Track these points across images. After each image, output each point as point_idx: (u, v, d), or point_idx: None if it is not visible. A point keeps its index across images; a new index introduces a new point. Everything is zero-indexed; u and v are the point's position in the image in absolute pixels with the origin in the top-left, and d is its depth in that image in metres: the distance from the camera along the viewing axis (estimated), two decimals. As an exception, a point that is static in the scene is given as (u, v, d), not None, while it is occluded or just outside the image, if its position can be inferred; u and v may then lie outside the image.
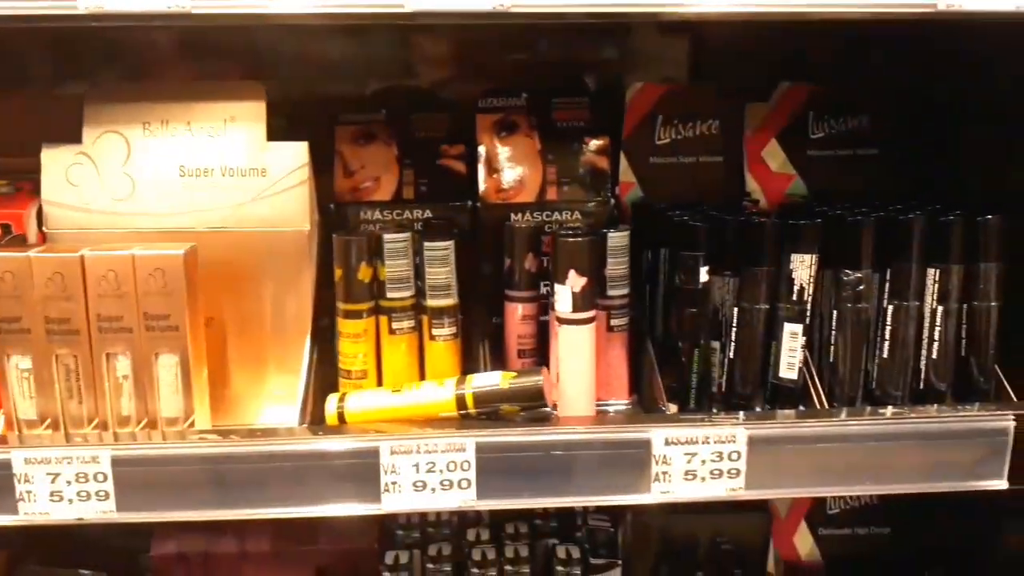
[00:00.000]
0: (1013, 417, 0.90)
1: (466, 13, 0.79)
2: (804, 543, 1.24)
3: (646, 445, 0.88)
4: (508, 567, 1.10)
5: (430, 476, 0.87)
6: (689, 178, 1.16)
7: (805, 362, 0.99)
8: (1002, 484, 0.91)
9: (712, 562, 1.16)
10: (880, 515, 1.23)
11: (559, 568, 1.10)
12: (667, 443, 0.88)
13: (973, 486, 0.92)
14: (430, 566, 1.11)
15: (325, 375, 1.02)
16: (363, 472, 0.86)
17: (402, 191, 1.13)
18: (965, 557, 1.13)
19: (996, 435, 0.91)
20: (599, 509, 1.17)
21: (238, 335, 1.02)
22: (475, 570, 1.09)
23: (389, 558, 1.12)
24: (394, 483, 0.87)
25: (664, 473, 0.88)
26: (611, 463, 0.88)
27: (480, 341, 1.07)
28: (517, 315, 1.03)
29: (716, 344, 0.99)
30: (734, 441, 0.88)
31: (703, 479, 0.89)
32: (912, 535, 1.23)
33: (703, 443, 0.88)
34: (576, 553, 1.11)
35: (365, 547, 1.14)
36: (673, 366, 0.99)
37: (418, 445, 0.86)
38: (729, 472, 0.89)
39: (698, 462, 0.88)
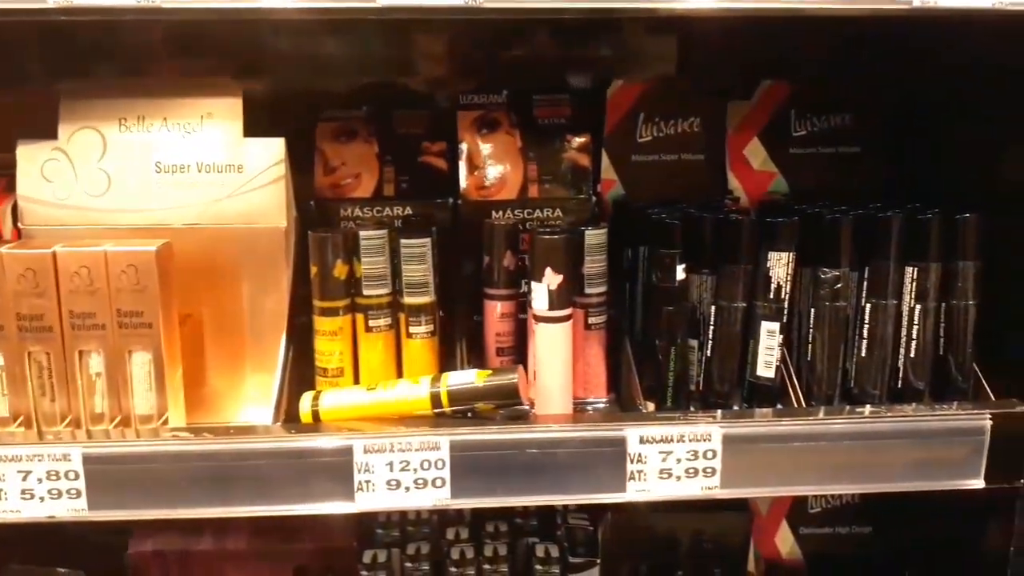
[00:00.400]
0: (990, 416, 0.90)
1: (437, 8, 0.79)
2: (785, 542, 1.23)
3: (621, 443, 0.87)
4: (487, 566, 1.09)
5: (404, 475, 0.86)
6: (671, 176, 1.16)
7: (783, 361, 0.99)
8: (979, 483, 0.91)
9: (692, 561, 1.15)
10: (862, 514, 1.23)
11: (538, 567, 1.10)
12: (642, 441, 0.87)
13: (950, 485, 0.92)
14: (408, 565, 1.10)
15: (303, 373, 1.01)
16: (336, 470, 0.86)
17: (383, 188, 1.12)
18: (947, 556, 1.12)
19: (973, 434, 0.90)
20: (579, 508, 1.16)
21: (215, 333, 1.01)
22: (453, 569, 1.09)
23: (367, 557, 1.11)
24: (368, 482, 0.86)
25: (639, 472, 0.88)
26: (586, 461, 0.88)
27: (461, 339, 1.06)
28: (496, 313, 1.02)
29: (694, 342, 0.99)
30: (709, 440, 0.88)
31: (678, 478, 0.88)
32: (894, 534, 1.22)
33: (678, 441, 0.88)
34: (555, 552, 1.11)
35: (344, 546, 1.14)
36: (651, 364, 0.98)
37: (392, 443, 0.86)
38: (704, 471, 0.88)
39: (673, 460, 0.88)
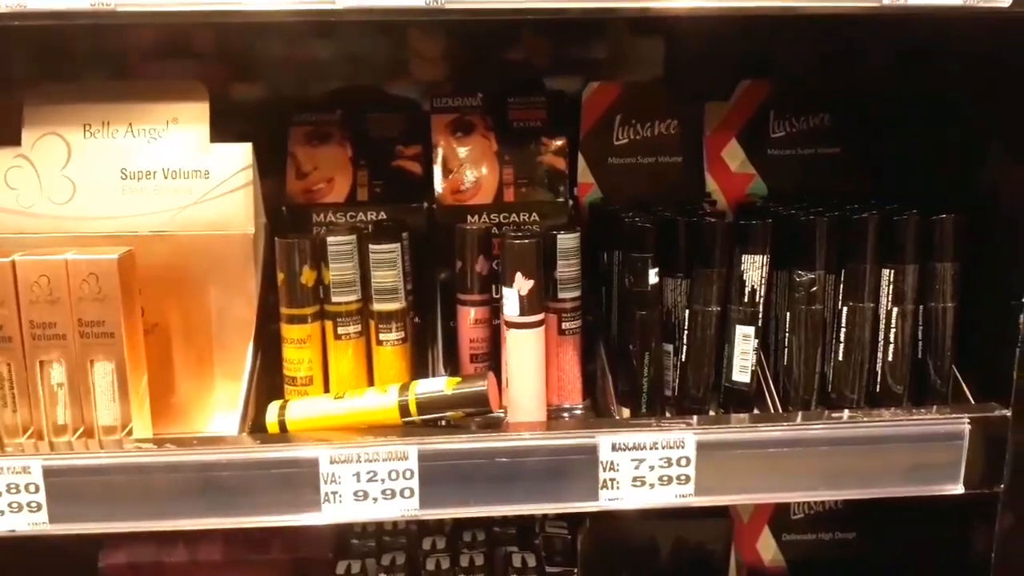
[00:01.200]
0: (968, 420, 0.89)
1: (397, 10, 0.77)
2: (768, 548, 1.22)
3: (593, 451, 0.86)
4: (462, 576, 1.08)
5: (371, 485, 0.85)
6: (649, 179, 1.14)
7: (760, 365, 0.97)
8: (958, 489, 0.90)
9: (672, 568, 1.14)
10: (845, 520, 1.21)
11: (514, 576, 1.08)
12: (614, 449, 0.86)
13: (928, 491, 0.90)
14: None
15: (273, 382, 0.99)
16: (302, 481, 0.84)
17: (356, 192, 1.11)
18: (930, 561, 1.11)
19: (951, 439, 0.89)
20: (558, 516, 1.15)
21: (183, 341, 1.00)
22: (428, 579, 1.08)
23: (342, 567, 1.09)
24: (334, 493, 0.85)
25: (612, 480, 0.86)
26: (557, 470, 0.86)
27: (434, 345, 1.05)
28: (469, 319, 1.01)
29: (669, 347, 0.97)
30: (683, 446, 0.86)
31: (652, 485, 0.87)
32: (877, 540, 1.21)
33: (651, 449, 0.86)
34: (532, 561, 1.09)
35: (319, 556, 1.12)
36: (626, 370, 0.97)
37: (359, 454, 0.84)
38: (679, 478, 0.87)
39: (646, 468, 0.86)
